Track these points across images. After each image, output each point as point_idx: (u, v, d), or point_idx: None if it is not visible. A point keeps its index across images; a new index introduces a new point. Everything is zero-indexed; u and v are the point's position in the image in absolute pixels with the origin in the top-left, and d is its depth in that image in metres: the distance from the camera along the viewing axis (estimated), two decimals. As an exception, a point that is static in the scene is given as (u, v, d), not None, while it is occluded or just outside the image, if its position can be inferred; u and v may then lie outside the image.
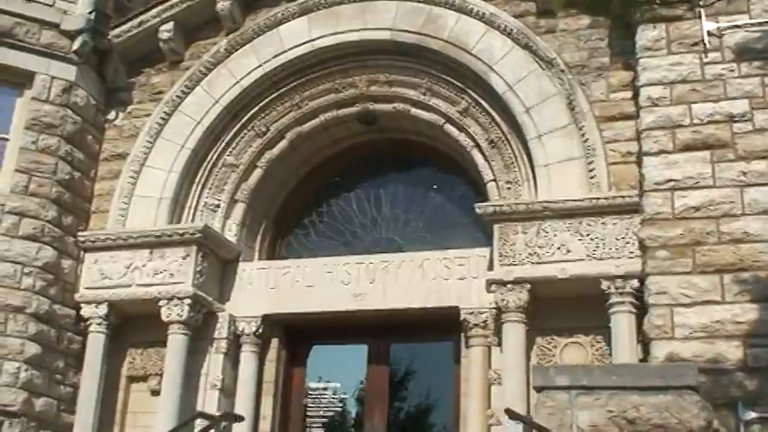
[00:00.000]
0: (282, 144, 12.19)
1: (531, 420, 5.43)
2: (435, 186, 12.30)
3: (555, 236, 10.04)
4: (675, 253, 8.68)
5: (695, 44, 9.29)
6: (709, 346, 8.27)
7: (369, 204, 12.50)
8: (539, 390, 5.54)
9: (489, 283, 10.15)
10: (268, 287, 11.81)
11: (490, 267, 10.75)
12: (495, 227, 10.30)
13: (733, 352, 8.22)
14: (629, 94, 10.30)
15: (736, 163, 8.80)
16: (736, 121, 8.91)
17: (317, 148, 12.51)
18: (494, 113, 11.02)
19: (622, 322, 9.60)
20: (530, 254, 10.07)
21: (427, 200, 12.28)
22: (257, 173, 12.19)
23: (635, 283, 9.59)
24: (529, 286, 9.96)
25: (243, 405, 11.40)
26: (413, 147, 12.36)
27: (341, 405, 11.88)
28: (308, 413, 11.87)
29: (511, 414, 5.92)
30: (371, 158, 12.65)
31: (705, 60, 9.20)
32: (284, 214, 12.77)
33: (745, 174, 8.73)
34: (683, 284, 8.56)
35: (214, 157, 12.11)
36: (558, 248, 9.99)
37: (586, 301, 10.06)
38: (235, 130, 12.11)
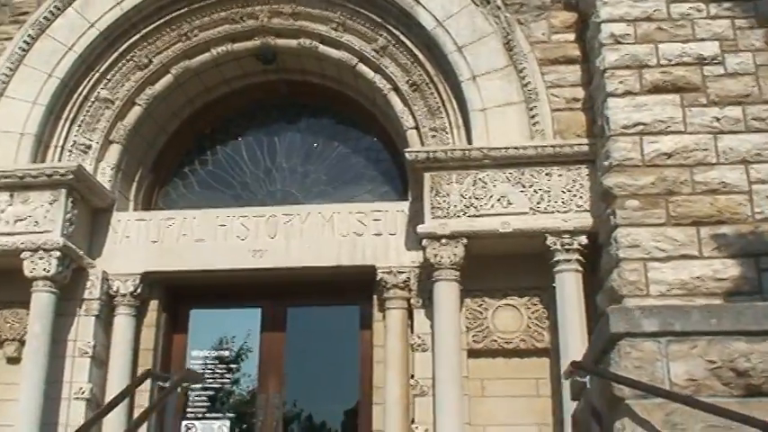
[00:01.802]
0: (166, 80, 10.55)
1: (614, 375, 4.39)
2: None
3: (494, 186, 9.10)
4: (647, 203, 7.94)
5: (659, -19, 8.61)
6: (688, 304, 7.56)
7: (262, 154, 11.09)
8: (619, 337, 4.52)
9: (420, 237, 9.07)
10: (149, 241, 10.19)
11: (411, 222, 9.72)
12: (427, 176, 9.22)
13: (713, 311, 7.54)
14: (572, 36, 9.56)
15: (708, 108, 8.17)
16: (706, 64, 8.30)
17: (205, 88, 10.96)
18: (417, 53, 9.92)
19: (569, 281, 8.81)
20: (466, 206, 9.07)
21: (329, 151, 11.02)
22: (136, 110, 10.49)
23: (583, 239, 8.84)
24: (465, 241, 8.96)
25: (117, 375, 9.77)
26: (315, 91, 11.06)
27: (230, 376, 10.43)
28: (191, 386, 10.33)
29: (579, 366, 4.86)
30: (266, 103, 11.24)
31: (670, -2, 8.54)
32: (163, 161, 11.12)
33: (718, 120, 8.12)
34: (657, 237, 7.83)
35: (86, 89, 10.31)
36: (498, 200, 9.06)
37: (522, 260, 9.23)
38: (112, 59, 10.36)
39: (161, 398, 6.78)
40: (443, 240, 8.97)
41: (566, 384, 8.38)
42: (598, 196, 8.79)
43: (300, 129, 11.15)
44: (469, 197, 9.08)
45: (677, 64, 8.34)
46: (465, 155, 9.12)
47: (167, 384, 6.57)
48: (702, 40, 8.39)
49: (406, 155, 9.24)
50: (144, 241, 10.17)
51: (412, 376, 9.29)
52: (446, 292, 8.95)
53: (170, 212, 10.43)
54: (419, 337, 9.28)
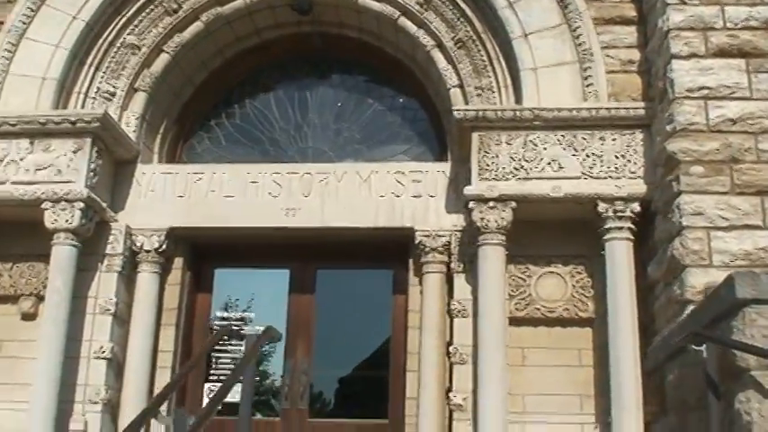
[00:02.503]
0: (196, 27, 10.04)
1: (741, 343, 4.05)
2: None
3: (545, 149, 8.72)
4: (712, 170, 7.58)
5: (728, -60, 8.21)
6: (754, 275, 7.24)
7: (292, 109, 10.65)
8: (745, 303, 4.17)
9: (467, 199, 8.68)
10: (175, 195, 9.75)
11: (452, 184, 9.37)
12: (475, 135, 8.82)
13: (779, 283, 7.23)
14: (629, -5, 9.17)
15: (775, 74, 7.82)
16: (774, 28, 7.93)
17: (236, 38, 10.46)
18: (465, 7, 9.47)
19: (620, 250, 8.46)
20: (515, 168, 8.69)
21: (363, 108, 10.57)
22: (163, 58, 10.00)
23: (636, 206, 8.49)
24: (514, 205, 8.59)
25: (139, 335, 9.40)
26: (350, 45, 10.58)
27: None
28: (215, 348, 9.95)
29: (696, 333, 4.51)
30: (299, 56, 10.76)
31: (739, -41, 8.15)
32: (189, 113, 10.63)
33: (786, 86, 7.76)
34: (720, 205, 7.47)
35: (112, 34, 9.81)
36: (549, 164, 8.68)
37: (568, 227, 8.90)
38: (140, 3, 9.84)
39: (249, 354, 6.35)
40: (491, 203, 8.60)
41: (613, 354, 8.15)
42: (652, 162, 8.47)
43: (334, 84, 10.70)
44: (519, 159, 8.70)
45: (744, 28, 7.95)
46: (516, 115, 8.72)
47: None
48: (770, 3, 8.01)
49: (454, 113, 8.83)
50: (170, 196, 9.73)
51: (449, 343, 8.95)
52: (492, 256, 8.58)
53: (198, 166, 9.98)
54: (459, 303, 8.93)
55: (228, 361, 9.79)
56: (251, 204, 9.58)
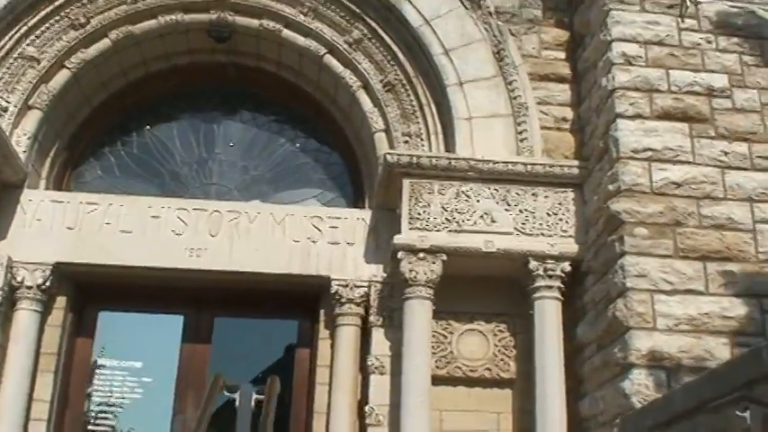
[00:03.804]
0: (103, 44, 9.21)
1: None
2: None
3: (478, 202, 8.39)
4: (655, 233, 7.44)
5: (671, 6, 8.24)
6: (697, 341, 7.08)
7: (197, 143, 9.91)
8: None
9: (396, 249, 8.20)
10: (65, 227, 8.77)
11: (372, 233, 8.90)
12: (406, 182, 8.39)
13: (721, 350, 7.09)
14: (562, 54, 9.10)
15: (717, 141, 7.81)
16: (715, 96, 7.95)
17: (143, 60, 9.67)
18: (396, 50, 9.12)
19: (550, 309, 8.18)
20: (447, 219, 8.31)
21: (274, 148, 9.96)
22: (63, 74, 9.10)
23: (567, 266, 8.26)
24: (444, 257, 8.18)
25: (14, 381, 8.28)
26: (266, 80, 9.98)
27: (141, 390, 9.09)
28: (95, 398, 8.97)
29: (747, 399, 4.15)
30: (209, 86, 10.06)
31: (682, 26, 8.18)
32: (82, 137, 9.69)
33: (726, 154, 7.76)
34: (664, 268, 7.32)
35: (9, 43, 8.85)
36: (482, 217, 8.35)
37: (493, 283, 8.59)
38: (45, 13, 8.95)
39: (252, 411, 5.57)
40: (421, 254, 8.15)
41: (540, 417, 7.80)
42: (584, 222, 8.33)
43: (244, 120, 10.06)
44: (451, 210, 8.33)
45: (687, 92, 7.96)
46: (451, 164, 8.37)
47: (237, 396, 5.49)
48: (712, 71, 8.07)
49: (387, 156, 8.38)
50: (58, 226, 8.76)
51: (362, 402, 8.37)
52: (419, 311, 8.11)
53: (93, 196, 9.02)
54: (377, 359, 8.37)
55: (111, 415, 8.84)
56: (151, 241, 8.75)
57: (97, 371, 9.02)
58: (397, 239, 8.20)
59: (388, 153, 8.42)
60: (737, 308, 7.24)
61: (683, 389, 4.90)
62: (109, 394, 8.94)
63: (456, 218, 8.30)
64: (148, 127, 9.90)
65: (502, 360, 8.47)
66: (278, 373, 8.90)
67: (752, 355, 4.17)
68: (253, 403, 5.54)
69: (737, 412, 4.06)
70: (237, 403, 5.43)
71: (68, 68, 9.10)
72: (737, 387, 4.23)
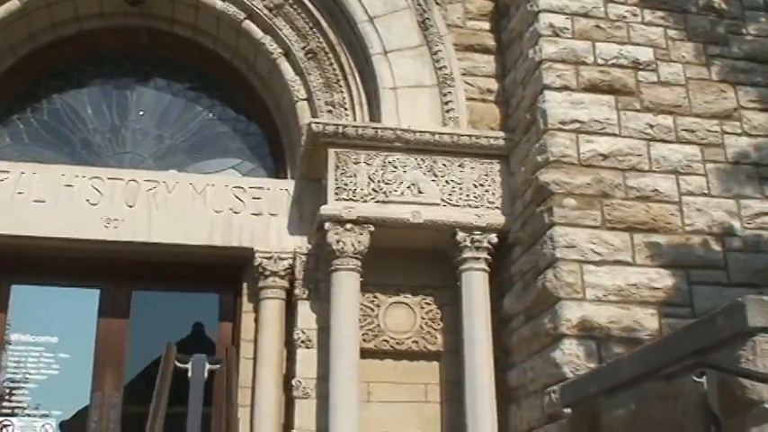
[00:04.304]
0: (11, 5, 8.70)
1: (760, 373, 3.81)
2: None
3: (404, 172, 8.32)
4: (584, 203, 7.50)
5: (597, -23, 8.29)
6: (626, 311, 7.18)
7: (109, 110, 9.52)
8: (755, 331, 3.95)
9: (323, 219, 8.06)
10: (-26, 196, 8.36)
11: (296, 204, 8.75)
12: (331, 152, 8.25)
13: (649, 321, 7.22)
14: (487, 25, 9.07)
15: (642, 114, 7.90)
16: (641, 69, 8.04)
17: (53, 23, 9.19)
18: (319, 17, 8.92)
19: (477, 281, 8.19)
20: (374, 190, 8.21)
21: (190, 116, 9.65)
22: (-32, 36, 8.64)
23: (494, 237, 8.28)
24: (372, 228, 8.09)
25: None
26: (180, 46, 9.64)
27: (57, 367, 8.74)
28: (9, 374, 8.59)
29: (701, 364, 4.19)
30: (121, 51, 9.65)
31: (606, -3, 8.25)
32: (-11, 103, 9.24)
33: (651, 127, 7.87)
34: (593, 239, 7.40)
35: None
36: (409, 188, 8.28)
37: (418, 255, 8.55)
38: (-57, -33, 8.46)
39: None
40: (348, 225, 8.04)
41: (469, 388, 7.83)
42: (510, 194, 8.36)
43: (158, 87, 9.70)
44: (378, 181, 8.23)
45: (613, 65, 8.03)
46: (377, 134, 8.26)
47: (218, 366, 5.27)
48: (638, 44, 8.15)
49: (312, 125, 8.21)
50: (-33, 195, 8.33)
51: (288, 376, 8.25)
52: (347, 283, 8.00)
53: (3, 164, 8.56)
54: (303, 332, 8.25)
55: (27, 392, 8.48)
56: (65, 212, 8.39)
57: (10, 347, 8.61)
58: (324, 210, 8.07)
59: (313, 122, 8.25)
60: (665, 279, 7.37)
61: (630, 356, 4.94)
62: (23, 370, 8.55)
63: (383, 188, 8.21)
64: (58, 93, 9.44)
65: (428, 333, 8.45)
66: (202, 350, 8.78)
67: (706, 322, 4.22)
68: (206, 374, 5.34)
69: (694, 378, 4.10)
70: (190, 374, 5.20)
71: (-28, 30, 8.61)
72: (691, 353, 4.28)
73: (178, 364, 5.32)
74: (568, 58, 7.98)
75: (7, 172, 8.44)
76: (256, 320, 8.57)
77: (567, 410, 6.20)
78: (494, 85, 8.82)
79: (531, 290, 7.65)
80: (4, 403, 8.43)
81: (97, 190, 8.51)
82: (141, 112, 9.56)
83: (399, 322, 8.45)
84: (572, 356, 6.93)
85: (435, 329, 8.48)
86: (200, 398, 5.13)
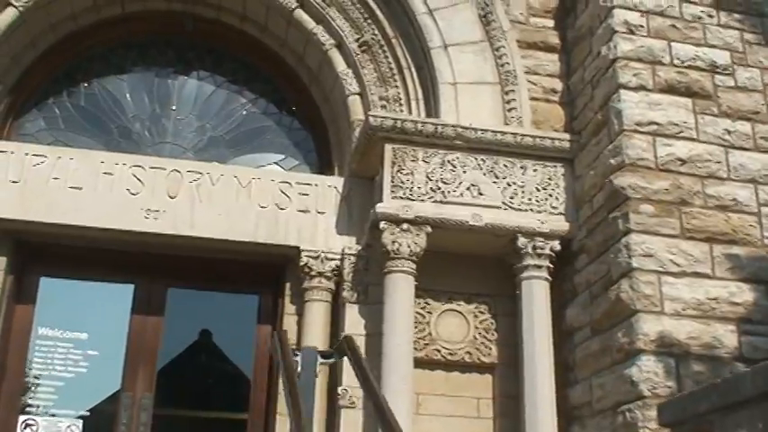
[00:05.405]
0: (54, -18, 8.34)
1: None
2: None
3: (464, 173, 7.85)
4: (661, 210, 7.03)
5: (670, -25, 7.87)
6: (705, 327, 6.71)
7: (150, 98, 9.09)
8: None
9: (378, 218, 7.58)
10: (8, 179, 7.88)
11: (344, 202, 8.29)
12: (388, 147, 7.78)
13: (729, 338, 6.74)
14: (550, 22, 8.64)
15: (720, 119, 7.46)
16: (718, 73, 7.60)
17: (95, 4, 8.77)
18: (375, 7, 8.49)
19: (539, 290, 7.70)
20: (432, 189, 7.74)
21: (232, 108, 9.21)
22: (9, 12, 8.15)
23: (556, 244, 7.80)
24: (429, 230, 7.61)
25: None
26: (227, 34, 9.21)
27: (85, 364, 8.25)
28: (35, 370, 8.10)
29: None
30: (163, 38, 9.23)
31: (681, -4, 7.83)
32: (25, 86, 8.74)
33: (730, 133, 7.42)
34: (671, 249, 6.93)
35: (-52, -27, 7.89)
36: (468, 189, 7.81)
37: (473, 261, 8.08)
38: (-11, -60, 8.02)
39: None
40: (405, 225, 7.56)
41: (529, 405, 7.34)
42: (575, 199, 7.91)
43: (201, 77, 9.27)
44: (436, 180, 7.77)
45: (690, 67, 7.59)
46: (437, 130, 7.80)
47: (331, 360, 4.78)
48: (714, 46, 7.72)
49: (370, 119, 7.75)
50: (1, 179, 7.86)
51: (334, 384, 7.76)
52: (403, 287, 7.50)
53: (40, 147, 8.14)
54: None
55: (53, 390, 8.00)
56: (103, 200, 7.93)
57: (38, 341, 8.13)
58: (380, 208, 7.59)
59: (371, 115, 7.78)
60: (744, 293, 6.91)
61: (754, 371, 4.45)
62: (50, 367, 8.07)
63: (441, 188, 7.75)
64: (97, 78, 9.00)
65: (482, 343, 7.96)
66: (239, 351, 8.36)
67: None
68: (318, 368, 4.84)
69: None
70: (300, 368, 4.68)
71: (15, 6, 8.16)
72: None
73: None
74: (645, 56, 7.54)
75: (44, 156, 7.98)
76: (299, 323, 8.11)
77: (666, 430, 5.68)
78: (558, 84, 8.39)
79: (601, 301, 7.17)
80: (29, 400, 7.93)
81: (138, 179, 8.05)
82: (174, 107, 9.09)
83: (452, 331, 7.96)
84: (650, 374, 6.45)
85: (489, 340, 7.99)
86: (311, 396, 4.58)
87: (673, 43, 7.67)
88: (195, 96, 9.16)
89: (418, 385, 7.65)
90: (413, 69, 8.39)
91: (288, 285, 8.29)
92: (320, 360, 4.81)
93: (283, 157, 9.11)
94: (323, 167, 8.97)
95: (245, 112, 9.20)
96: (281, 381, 7.59)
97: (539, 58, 8.43)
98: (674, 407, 5.14)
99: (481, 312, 8.06)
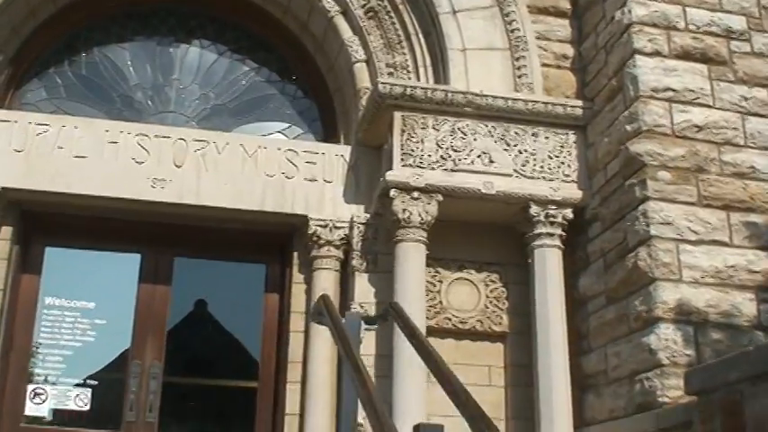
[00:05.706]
0: (53, -53, 8.16)
1: None
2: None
3: (475, 140, 7.75)
4: (679, 178, 6.95)
5: (680, -64, 7.74)
6: (723, 295, 6.65)
7: (152, 67, 8.93)
8: None
9: (388, 186, 7.48)
10: (11, 148, 7.74)
11: (352, 170, 8.19)
12: (397, 115, 7.66)
13: (747, 306, 6.68)
14: (561, -14, 8.50)
15: (736, 85, 7.36)
16: (733, 39, 7.50)
17: (95, -29, 8.63)
18: (381, -27, 8.37)
19: (551, 258, 7.63)
20: (442, 157, 7.64)
21: (235, 76, 9.06)
22: (8, -19, 8.02)
23: (569, 213, 7.72)
24: (440, 198, 7.52)
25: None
26: (228, 2, 9.05)
27: (93, 333, 8.15)
28: (43, 339, 8.00)
29: None
30: (164, 6, 9.06)
31: (694, -41, 7.70)
32: (26, 55, 8.57)
33: (746, 99, 7.33)
34: (689, 216, 6.86)
35: (-55, -62, 7.70)
36: (479, 156, 7.71)
37: (484, 229, 8.00)
38: None
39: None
40: (415, 194, 7.47)
41: (542, 374, 7.30)
42: (587, 167, 7.82)
43: (203, 45, 9.10)
44: (446, 148, 7.67)
45: (706, 32, 7.48)
46: (447, 97, 7.68)
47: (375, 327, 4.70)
48: (729, 12, 7.60)
49: (379, 86, 7.62)
50: (5, 148, 7.72)
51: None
52: (414, 256, 7.43)
53: (44, 116, 8.00)
54: (360, 306, 7.67)
55: (60, 359, 7.93)
56: (109, 169, 7.81)
57: (45, 311, 8.03)
58: (390, 176, 7.49)
59: (380, 82, 7.66)
60: (763, 261, 6.86)
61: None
62: (58, 336, 7.97)
63: (452, 156, 7.65)
64: (98, 47, 8.83)
65: (493, 312, 7.89)
66: (248, 320, 8.28)
67: None
68: (363, 333, 4.77)
69: None
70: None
71: (14, -25, 7.99)
72: None
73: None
74: (659, 21, 7.43)
75: (47, 125, 7.84)
76: (307, 292, 8.05)
77: (689, 398, 5.59)
78: (569, 50, 8.27)
79: (617, 270, 7.10)
80: (37, 369, 7.84)
81: (143, 148, 7.93)
82: (176, 76, 8.94)
83: (463, 300, 7.89)
84: (668, 342, 6.40)
85: (501, 309, 7.93)
86: (357, 351, 4.45)
87: (687, 8, 7.56)
88: (198, 65, 9.01)
89: (429, 354, 7.58)
90: (420, 35, 8.27)
91: (296, 254, 8.20)
92: (364, 326, 4.70)
93: (287, 125, 8.99)
94: (328, 136, 8.85)
95: (248, 82, 9.06)
96: (289, 349, 7.62)
97: (549, 23, 8.31)
98: (702, 375, 5.09)
99: (492, 281, 7.99)
